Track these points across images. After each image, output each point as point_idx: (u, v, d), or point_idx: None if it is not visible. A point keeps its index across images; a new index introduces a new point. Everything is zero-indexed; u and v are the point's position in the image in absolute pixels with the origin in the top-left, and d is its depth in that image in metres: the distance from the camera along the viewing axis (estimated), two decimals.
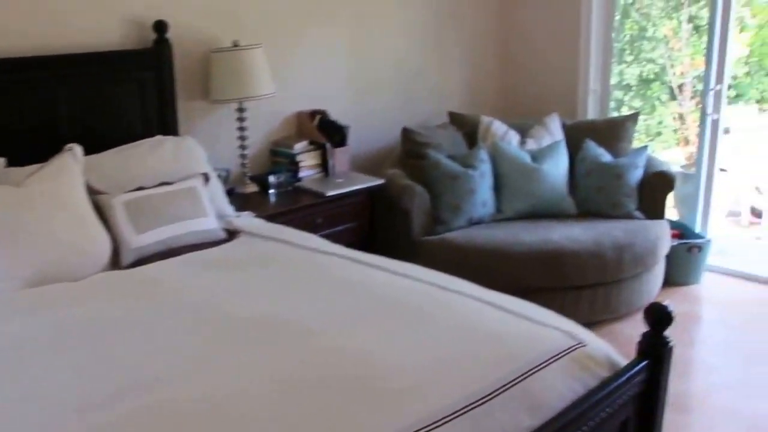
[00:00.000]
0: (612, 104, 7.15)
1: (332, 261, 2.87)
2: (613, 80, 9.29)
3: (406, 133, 4.45)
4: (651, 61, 8.77)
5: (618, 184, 4.28)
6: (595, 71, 5.08)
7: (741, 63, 11.92)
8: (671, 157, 8.19)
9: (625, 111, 9.18)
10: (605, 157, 4.41)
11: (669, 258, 4.41)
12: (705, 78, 4.68)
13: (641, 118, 9.43)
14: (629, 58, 8.91)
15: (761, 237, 6.20)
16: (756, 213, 6.48)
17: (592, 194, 4.35)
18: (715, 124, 4.68)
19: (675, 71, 6.59)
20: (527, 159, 4.36)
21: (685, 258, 4.56)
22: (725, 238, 5.95)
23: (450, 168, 4.19)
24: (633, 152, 4.47)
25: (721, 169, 6.22)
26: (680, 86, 6.62)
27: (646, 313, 2.12)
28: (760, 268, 4.91)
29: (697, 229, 4.88)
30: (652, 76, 8.95)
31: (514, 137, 4.60)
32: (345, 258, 2.89)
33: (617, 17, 9.16)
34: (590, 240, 3.93)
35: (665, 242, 4.24)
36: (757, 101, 13.03)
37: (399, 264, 2.81)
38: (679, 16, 8.25)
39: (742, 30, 12.18)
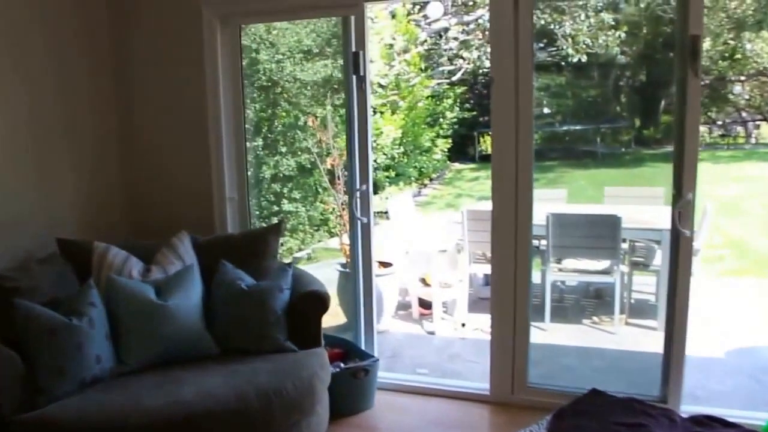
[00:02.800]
0: (272, 197, 6.58)
1: None
2: (269, 173, 8.90)
3: None
4: (307, 150, 8.43)
5: (262, 312, 3.60)
6: (231, 176, 4.41)
7: (396, 144, 12.20)
8: (338, 244, 7.84)
9: (286, 204, 8.77)
10: (245, 280, 3.72)
11: (333, 387, 3.76)
12: (349, 180, 4.20)
13: (304, 209, 9.08)
14: (284, 149, 8.51)
15: (434, 331, 5.89)
16: (425, 305, 6.20)
17: (234, 327, 3.62)
18: (366, 227, 4.21)
19: (325, 162, 6.17)
20: (150, 294, 3.53)
21: (352, 384, 3.98)
22: (397, 341, 5.59)
23: (46, 320, 3.22)
24: (276, 272, 3.81)
25: (383, 263, 5.88)
26: (332, 178, 6.21)
27: None
28: (434, 375, 4.57)
29: (362, 344, 4.36)
30: (309, 165, 8.62)
31: (135, 266, 3.77)
32: None
33: (269, 109, 8.80)
34: (231, 393, 3.15)
35: (324, 375, 3.57)
36: (416, 179, 13.45)
37: None
38: (326, 105, 8.02)
39: (393, 113, 12.52)
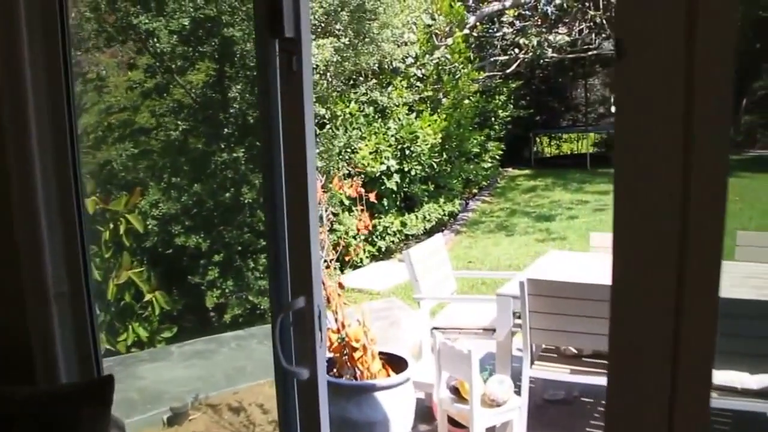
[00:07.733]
0: (259, 227, 4.94)
1: None
2: (250, 196, 6.62)
3: None
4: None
5: None
6: (55, 247, 2.12)
7: (435, 151, 9.81)
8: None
9: None
10: None
11: None
12: (272, 279, 1.85)
13: None
14: None
15: None
16: (459, 424, 3.86)
17: None
18: (310, 388, 1.87)
19: None
20: None
21: None
22: None
23: None
24: None
25: (389, 361, 3.60)
26: None
27: None
28: None
29: None
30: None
31: None
32: None
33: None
34: None
35: None
36: (461, 191, 11.02)
37: None
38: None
39: (434, 112, 10.13)
